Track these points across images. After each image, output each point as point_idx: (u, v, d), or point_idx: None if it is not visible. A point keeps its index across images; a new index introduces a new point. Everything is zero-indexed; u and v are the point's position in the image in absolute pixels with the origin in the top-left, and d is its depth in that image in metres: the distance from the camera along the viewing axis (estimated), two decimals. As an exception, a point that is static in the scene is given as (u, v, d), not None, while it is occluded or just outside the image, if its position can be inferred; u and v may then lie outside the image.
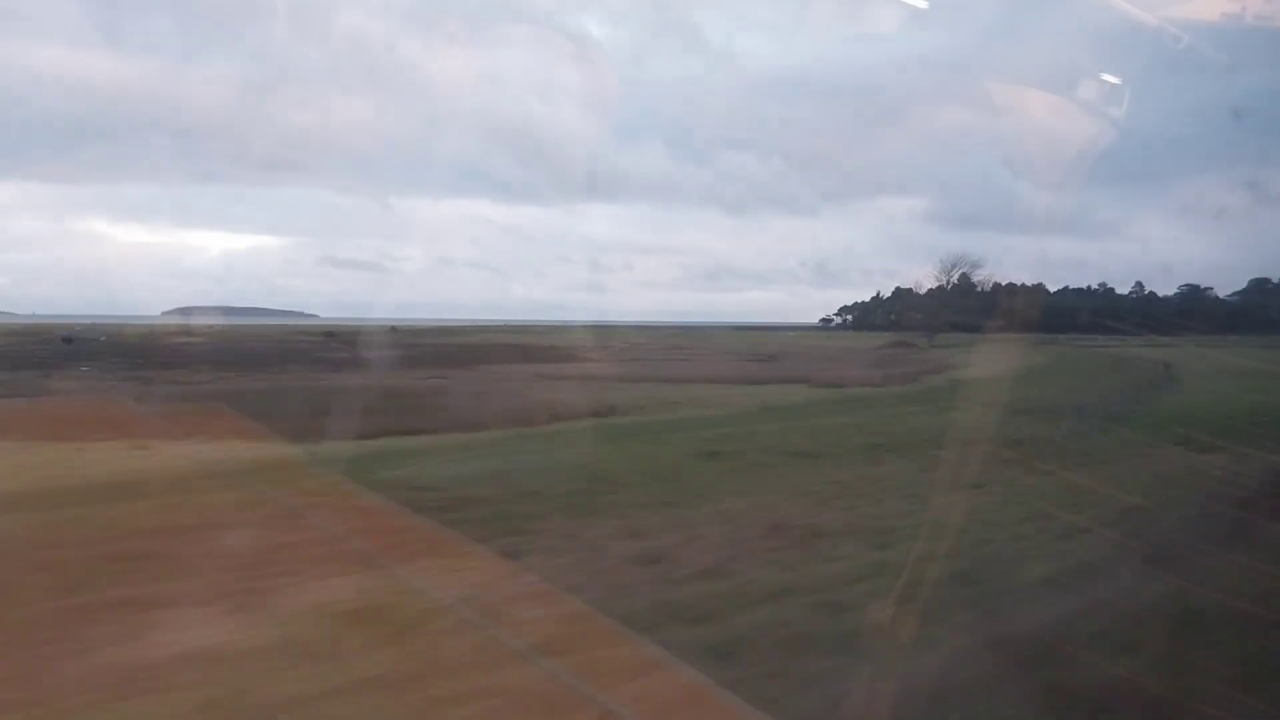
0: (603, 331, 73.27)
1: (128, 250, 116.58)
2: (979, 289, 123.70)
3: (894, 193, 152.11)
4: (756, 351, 59.43)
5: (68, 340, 52.53)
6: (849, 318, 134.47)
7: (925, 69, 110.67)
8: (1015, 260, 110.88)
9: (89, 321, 70.16)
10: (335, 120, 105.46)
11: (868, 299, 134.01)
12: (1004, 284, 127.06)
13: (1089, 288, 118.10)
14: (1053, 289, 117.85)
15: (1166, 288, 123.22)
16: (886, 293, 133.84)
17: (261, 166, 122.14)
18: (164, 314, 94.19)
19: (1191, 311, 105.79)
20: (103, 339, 54.63)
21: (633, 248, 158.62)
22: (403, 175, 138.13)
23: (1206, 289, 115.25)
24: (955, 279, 57.82)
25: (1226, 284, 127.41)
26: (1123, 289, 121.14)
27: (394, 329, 72.34)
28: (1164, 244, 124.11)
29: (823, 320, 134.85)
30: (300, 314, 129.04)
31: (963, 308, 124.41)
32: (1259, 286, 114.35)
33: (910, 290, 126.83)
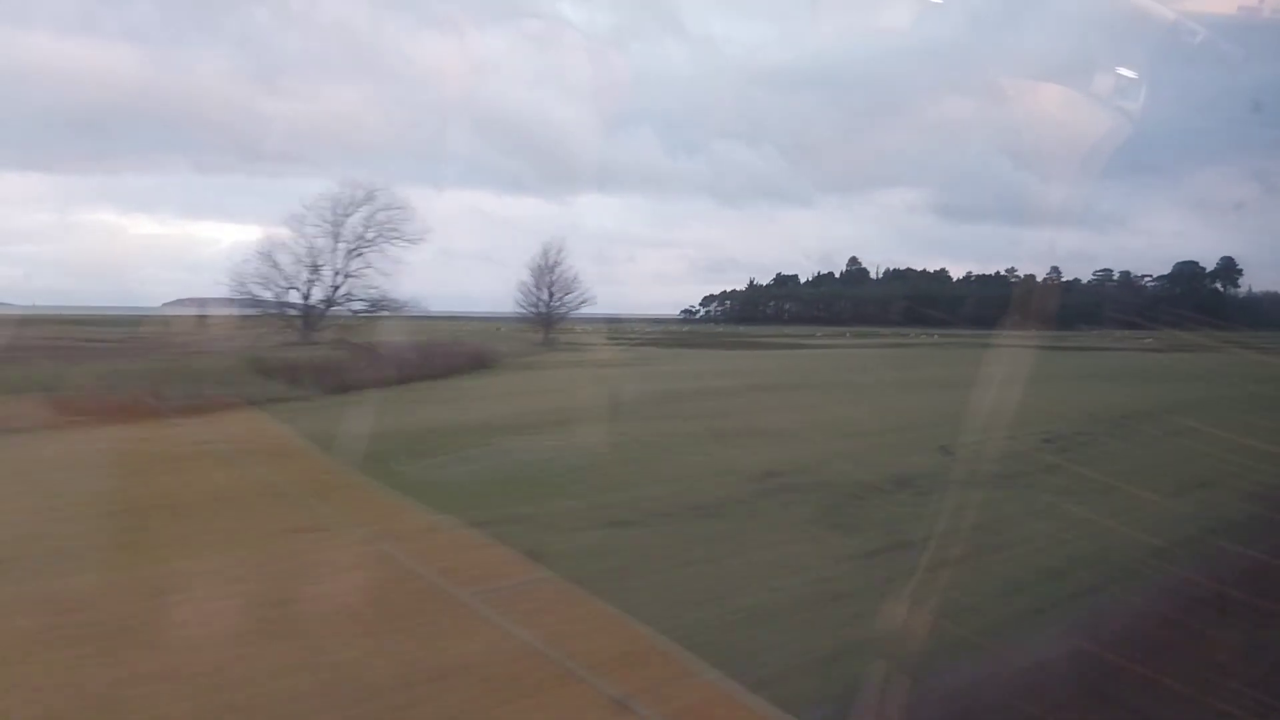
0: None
1: (127, 241, 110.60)
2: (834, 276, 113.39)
3: (901, 184, 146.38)
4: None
5: None
6: (727, 305, 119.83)
7: (934, 60, 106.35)
8: (1024, 253, 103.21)
9: (68, 312, 64.85)
10: (335, 111, 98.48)
11: (743, 287, 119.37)
12: (897, 272, 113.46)
13: (996, 274, 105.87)
14: (956, 277, 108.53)
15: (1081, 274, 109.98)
16: (765, 280, 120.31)
17: (262, 157, 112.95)
18: (165, 305, 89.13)
19: (1102, 301, 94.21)
20: None
21: (638, 240, 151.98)
22: (403, 166, 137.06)
23: (1141, 277, 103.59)
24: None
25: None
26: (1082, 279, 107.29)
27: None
28: (1174, 237, 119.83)
29: (685, 312, 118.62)
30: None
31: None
32: (1186, 271, 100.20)
33: (795, 277, 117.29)
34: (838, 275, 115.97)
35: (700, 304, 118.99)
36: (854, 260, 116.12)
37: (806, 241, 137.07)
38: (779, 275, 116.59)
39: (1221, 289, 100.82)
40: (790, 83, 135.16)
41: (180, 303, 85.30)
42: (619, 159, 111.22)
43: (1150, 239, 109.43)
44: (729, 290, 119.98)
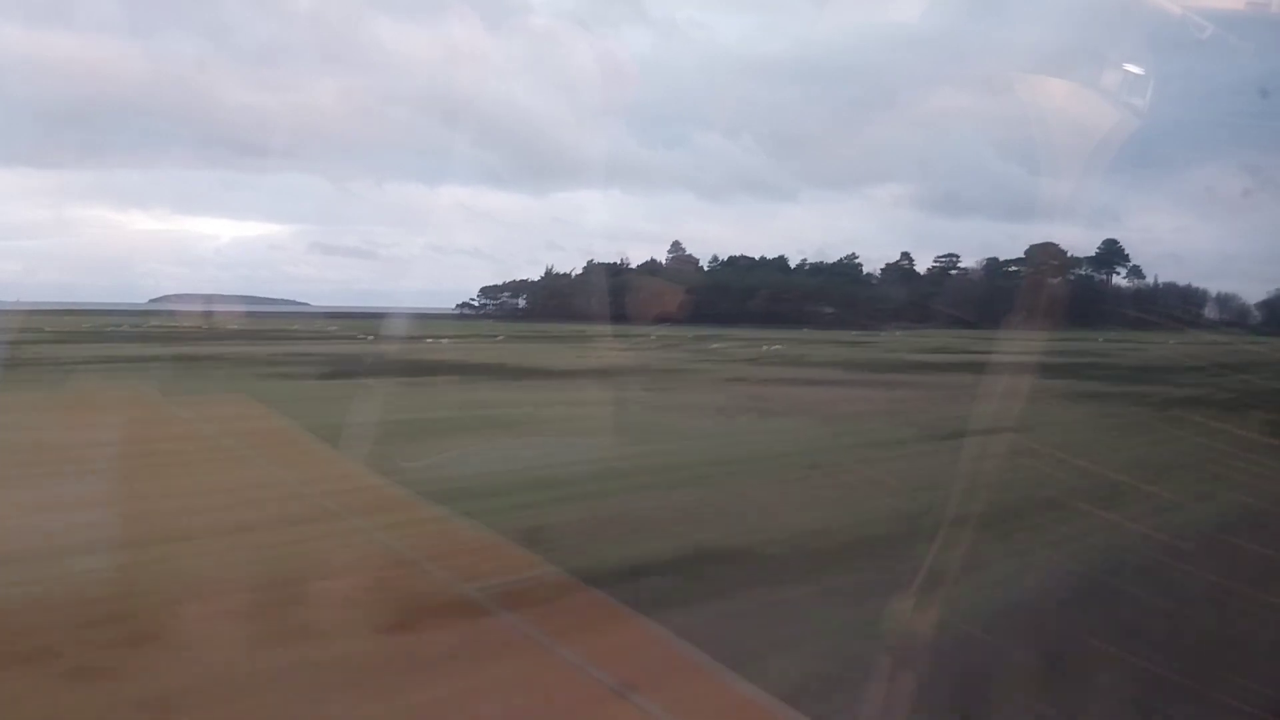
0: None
1: (123, 237, 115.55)
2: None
3: (892, 180, 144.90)
4: None
5: None
6: (505, 298, 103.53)
7: (929, 53, 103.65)
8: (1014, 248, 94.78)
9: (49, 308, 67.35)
10: (323, 106, 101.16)
11: (536, 278, 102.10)
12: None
13: (839, 261, 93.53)
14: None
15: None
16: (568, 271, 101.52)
17: (253, 153, 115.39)
18: (151, 301, 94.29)
19: (938, 294, 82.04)
20: None
21: (632, 235, 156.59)
22: (394, 162, 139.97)
23: (1006, 264, 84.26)
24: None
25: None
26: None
27: None
28: (1171, 232, 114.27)
29: (461, 305, 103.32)
30: (292, 301, 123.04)
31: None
32: (1041, 257, 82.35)
33: (620, 265, 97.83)
34: (663, 263, 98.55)
35: (479, 295, 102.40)
36: (676, 245, 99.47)
37: (812, 235, 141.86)
38: (591, 263, 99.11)
39: (1104, 278, 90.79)
40: (783, 76, 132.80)
41: (167, 299, 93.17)
42: (600, 153, 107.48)
43: (1146, 235, 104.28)
44: (517, 280, 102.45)
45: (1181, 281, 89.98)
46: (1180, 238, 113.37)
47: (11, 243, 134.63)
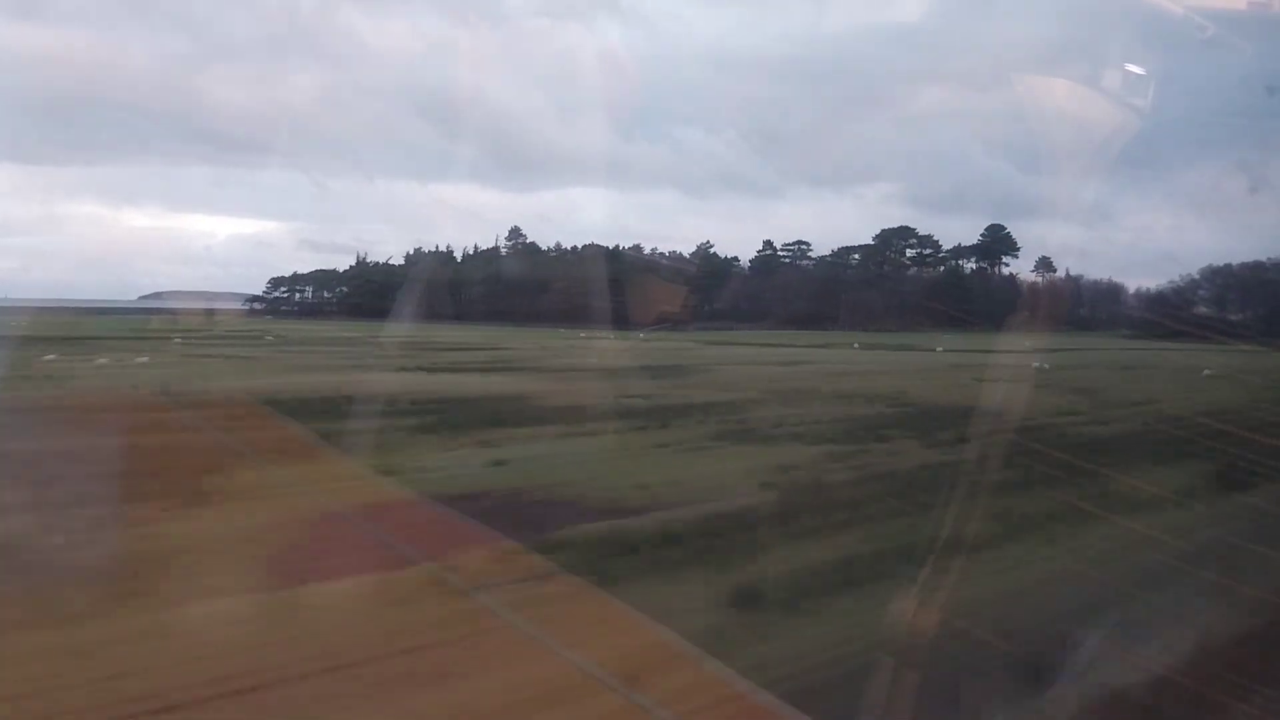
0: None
1: (116, 235, 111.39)
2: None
3: (880, 179, 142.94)
4: None
5: None
6: (309, 291, 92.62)
7: (923, 53, 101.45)
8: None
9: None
10: (313, 103, 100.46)
11: (344, 268, 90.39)
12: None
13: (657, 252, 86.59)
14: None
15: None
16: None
17: (242, 149, 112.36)
18: (141, 298, 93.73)
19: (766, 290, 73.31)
20: None
21: (620, 232, 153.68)
22: (382, 159, 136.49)
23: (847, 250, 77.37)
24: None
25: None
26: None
27: None
28: (1167, 231, 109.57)
29: (251, 299, 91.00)
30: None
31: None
32: (889, 242, 75.21)
33: (452, 255, 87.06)
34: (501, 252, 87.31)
35: (268, 287, 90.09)
36: (515, 232, 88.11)
37: (802, 234, 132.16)
38: (417, 251, 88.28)
39: (990, 270, 78.37)
40: (771, 73, 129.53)
41: (157, 295, 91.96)
42: (584, 149, 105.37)
43: (1140, 234, 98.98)
44: (322, 270, 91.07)
45: (1146, 280, 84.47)
46: (1175, 237, 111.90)
47: (4, 240, 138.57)
